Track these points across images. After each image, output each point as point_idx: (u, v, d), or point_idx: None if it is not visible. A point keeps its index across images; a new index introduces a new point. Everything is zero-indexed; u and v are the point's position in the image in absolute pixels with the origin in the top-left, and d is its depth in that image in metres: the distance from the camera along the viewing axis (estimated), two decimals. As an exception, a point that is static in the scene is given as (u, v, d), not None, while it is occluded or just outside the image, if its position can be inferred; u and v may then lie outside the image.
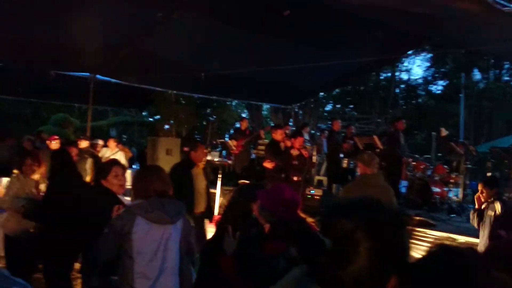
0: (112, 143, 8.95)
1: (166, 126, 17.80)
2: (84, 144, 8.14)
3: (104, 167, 3.67)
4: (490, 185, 4.71)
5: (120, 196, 3.58)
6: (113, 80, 10.35)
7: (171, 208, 2.82)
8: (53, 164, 4.54)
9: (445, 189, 8.60)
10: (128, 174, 8.34)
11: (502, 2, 4.55)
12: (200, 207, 5.52)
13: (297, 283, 1.28)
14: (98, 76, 10.09)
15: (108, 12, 6.96)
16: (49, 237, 4.10)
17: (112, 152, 8.69)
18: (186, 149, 7.01)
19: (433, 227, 6.43)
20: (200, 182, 5.59)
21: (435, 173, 9.18)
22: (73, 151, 6.74)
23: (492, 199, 4.52)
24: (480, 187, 4.76)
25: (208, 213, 5.77)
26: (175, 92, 11.97)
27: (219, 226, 2.86)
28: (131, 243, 2.73)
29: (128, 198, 6.30)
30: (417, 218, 6.73)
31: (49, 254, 4.16)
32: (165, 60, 8.84)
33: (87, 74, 10.02)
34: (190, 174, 5.46)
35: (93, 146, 9.18)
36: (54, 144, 7.48)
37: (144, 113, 23.32)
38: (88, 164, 8.01)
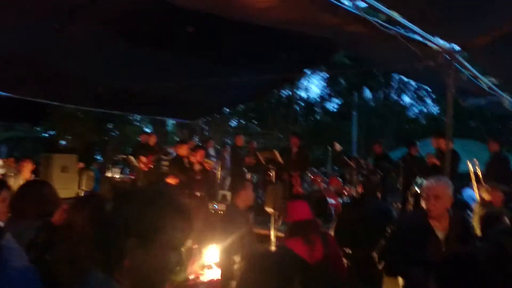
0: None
1: (62, 142, 16.85)
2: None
3: None
4: None
5: None
6: (2, 93, 9.62)
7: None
8: None
9: (339, 200, 9.21)
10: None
11: (386, 24, 4.87)
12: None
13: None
14: (-15, 88, 9.33)
15: (-3, 20, 6.49)
16: None
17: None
18: None
19: (328, 236, 6.86)
20: None
21: (330, 185, 9.79)
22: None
23: None
24: None
25: None
26: (72, 106, 11.39)
27: None
28: None
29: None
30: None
31: None
32: (62, 73, 8.40)
33: (-27, 86, 9.23)
34: None
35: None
36: None
37: (38, 128, 21.77)
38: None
